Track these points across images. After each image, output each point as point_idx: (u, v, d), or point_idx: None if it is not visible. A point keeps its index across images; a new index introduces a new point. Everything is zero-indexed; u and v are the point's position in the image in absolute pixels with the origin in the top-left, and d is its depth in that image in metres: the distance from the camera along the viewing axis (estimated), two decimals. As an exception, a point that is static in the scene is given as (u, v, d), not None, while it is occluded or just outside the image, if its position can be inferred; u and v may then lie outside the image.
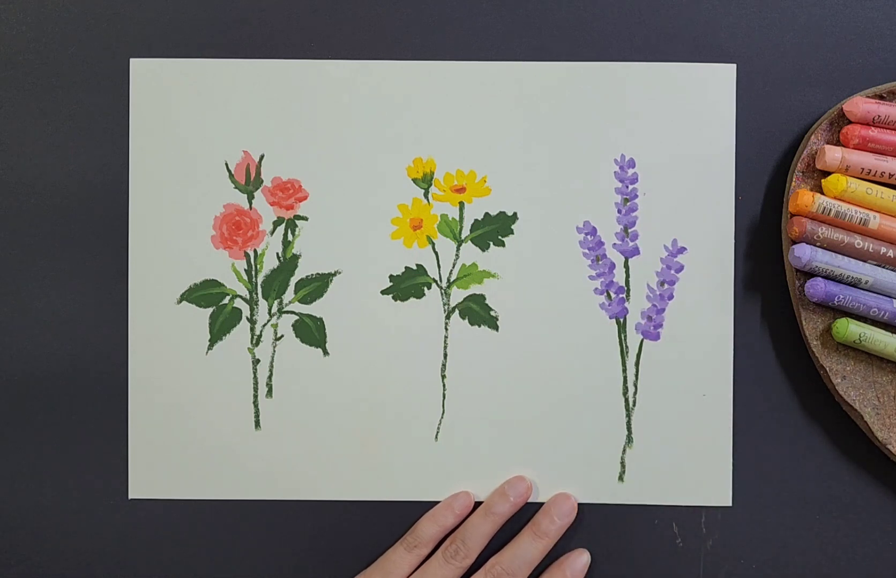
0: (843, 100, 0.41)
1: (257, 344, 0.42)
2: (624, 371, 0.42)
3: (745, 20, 0.42)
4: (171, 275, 0.42)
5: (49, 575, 0.42)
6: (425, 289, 0.42)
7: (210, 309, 0.42)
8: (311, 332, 0.42)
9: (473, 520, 0.41)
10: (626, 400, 0.42)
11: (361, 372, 0.42)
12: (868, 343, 0.39)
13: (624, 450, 0.42)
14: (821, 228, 0.39)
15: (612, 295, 0.42)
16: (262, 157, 0.42)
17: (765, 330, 0.42)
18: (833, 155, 0.39)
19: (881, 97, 0.40)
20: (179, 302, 0.42)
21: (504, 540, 0.41)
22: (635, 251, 0.42)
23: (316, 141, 0.42)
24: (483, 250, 0.42)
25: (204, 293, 0.42)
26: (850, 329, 0.39)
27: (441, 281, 0.42)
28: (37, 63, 0.42)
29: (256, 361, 0.42)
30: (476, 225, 0.42)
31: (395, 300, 0.42)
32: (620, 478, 0.42)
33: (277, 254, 0.42)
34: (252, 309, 0.42)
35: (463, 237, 0.42)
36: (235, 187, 0.42)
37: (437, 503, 0.42)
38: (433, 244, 0.42)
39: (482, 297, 0.42)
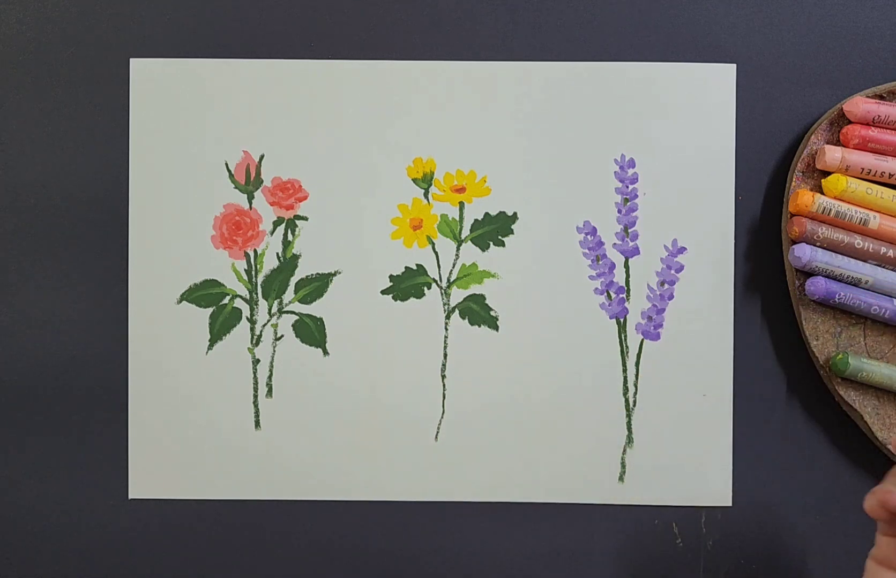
0: (843, 100, 0.41)
1: (257, 344, 0.42)
2: (624, 371, 0.42)
3: (745, 20, 0.42)
4: (171, 275, 0.42)
5: (49, 575, 0.42)
6: (425, 289, 0.42)
7: (210, 310, 0.42)
8: (311, 332, 0.42)
9: None
10: (626, 400, 0.42)
11: (361, 372, 0.42)
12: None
13: (624, 450, 0.42)
14: (821, 228, 0.39)
15: (612, 295, 0.42)
16: (262, 157, 0.42)
17: (765, 330, 0.42)
18: (833, 155, 0.39)
19: (881, 97, 0.40)
20: (179, 302, 0.42)
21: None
22: (635, 251, 0.42)
23: (316, 141, 0.42)
24: (483, 250, 0.42)
25: (204, 293, 0.42)
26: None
27: (441, 281, 0.42)
28: (37, 63, 0.42)
29: (256, 361, 0.42)
30: (476, 225, 0.42)
31: (395, 300, 0.42)
32: (620, 478, 0.42)
33: (277, 254, 0.42)
34: (252, 310, 0.42)
35: (463, 237, 0.42)
36: (235, 187, 0.42)
37: (436, 503, 0.42)
38: (433, 244, 0.42)
39: (482, 297, 0.42)
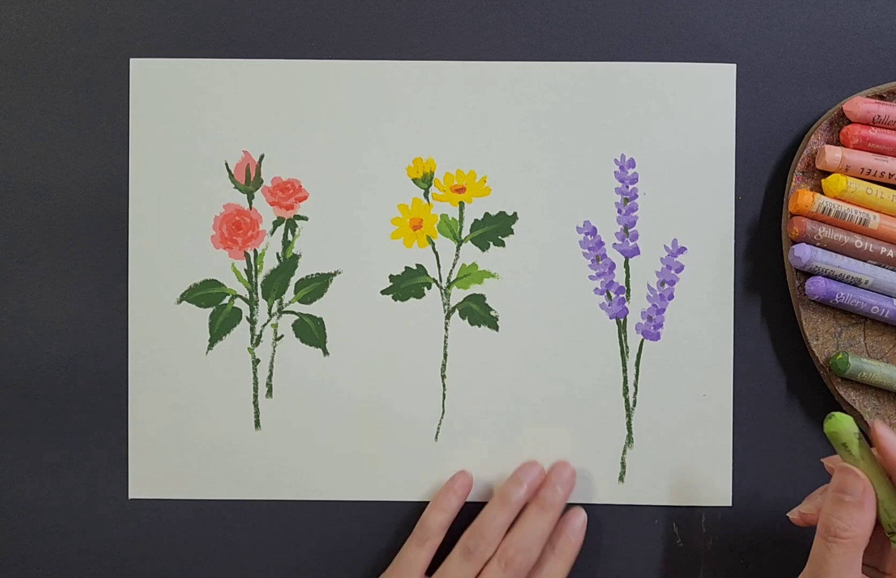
0: (843, 100, 0.41)
1: (257, 344, 0.42)
2: (624, 371, 0.42)
3: (745, 20, 0.42)
4: (171, 275, 0.42)
5: (49, 575, 0.42)
6: (425, 289, 0.42)
7: (210, 309, 0.42)
8: (311, 332, 0.42)
9: (489, 512, 0.39)
10: (626, 400, 0.42)
11: (361, 372, 0.42)
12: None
13: (624, 450, 0.42)
14: (821, 228, 0.39)
15: (612, 295, 0.42)
16: (262, 157, 0.42)
17: (765, 330, 0.42)
18: (833, 155, 0.39)
19: (881, 97, 0.40)
20: (179, 302, 0.42)
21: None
22: (635, 251, 0.42)
23: (316, 141, 0.42)
24: (483, 250, 0.42)
25: (204, 293, 0.42)
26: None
27: (441, 281, 0.42)
28: (37, 63, 0.42)
29: (256, 361, 0.42)
30: (476, 225, 0.42)
31: (395, 300, 0.42)
32: (620, 478, 0.42)
33: (277, 254, 0.42)
34: (252, 310, 0.42)
35: (463, 237, 0.42)
36: (235, 187, 0.42)
37: (437, 503, 0.42)
38: (433, 244, 0.42)
39: (482, 297, 0.42)
